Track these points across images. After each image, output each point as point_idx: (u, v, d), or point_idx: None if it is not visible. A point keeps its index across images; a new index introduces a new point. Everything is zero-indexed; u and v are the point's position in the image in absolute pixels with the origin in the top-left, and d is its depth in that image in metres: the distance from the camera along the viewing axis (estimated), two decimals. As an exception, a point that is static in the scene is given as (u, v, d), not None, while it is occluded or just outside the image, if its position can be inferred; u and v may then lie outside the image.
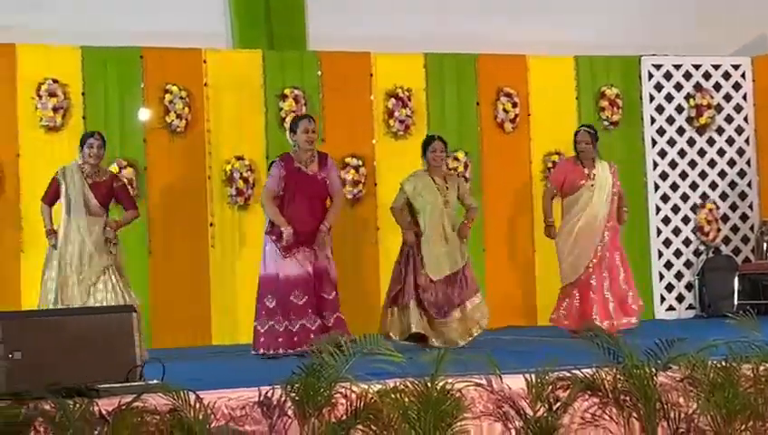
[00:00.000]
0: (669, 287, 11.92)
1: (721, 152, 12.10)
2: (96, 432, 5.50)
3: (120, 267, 8.78)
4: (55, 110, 10.06)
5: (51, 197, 8.88)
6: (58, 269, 8.67)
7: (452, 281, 9.28)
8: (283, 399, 6.17)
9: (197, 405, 5.84)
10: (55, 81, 10.10)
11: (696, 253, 11.98)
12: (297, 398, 6.13)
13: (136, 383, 6.00)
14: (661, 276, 11.90)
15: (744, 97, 12.19)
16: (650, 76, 11.97)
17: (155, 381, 6.04)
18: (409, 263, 9.28)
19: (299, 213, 8.87)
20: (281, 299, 8.85)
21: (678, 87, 12.04)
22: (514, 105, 11.45)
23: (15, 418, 5.45)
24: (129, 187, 9.95)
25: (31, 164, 9.86)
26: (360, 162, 10.89)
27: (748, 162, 12.17)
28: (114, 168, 10.03)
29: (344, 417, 6.17)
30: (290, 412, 6.14)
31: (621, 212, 9.96)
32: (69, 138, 9.93)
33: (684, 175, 11.99)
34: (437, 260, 9.25)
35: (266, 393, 6.18)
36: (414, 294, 9.21)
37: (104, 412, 5.61)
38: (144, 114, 10.41)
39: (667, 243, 11.94)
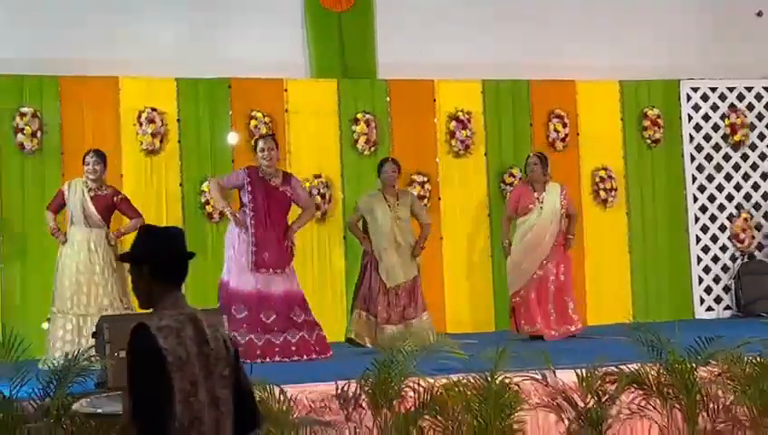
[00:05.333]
0: (708, 290, 11.79)
1: (754, 166, 11.94)
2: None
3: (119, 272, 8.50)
4: (154, 135, 10.18)
5: (54, 205, 8.75)
6: (68, 273, 8.49)
7: (405, 292, 9.15)
8: (357, 392, 6.21)
9: (281, 398, 5.89)
10: (153, 109, 10.22)
11: (733, 258, 11.84)
12: (370, 391, 6.17)
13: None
14: (700, 280, 11.77)
15: (775, 115, 12.06)
16: (689, 98, 11.86)
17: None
18: (368, 270, 9.17)
19: (261, 221, 8.50)
20: (250, 313, 8.36)
21: (715, 107, 11.91)
22: (564, 126, 11.40)
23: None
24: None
25: (133, 183, 9.98)
26: (425, 178, 10.91)
27: (780, 174, 12.03)
28: (206, 186, 10.10)
29: (413, 408, 6.20)
30: (364, 404, 6.19)
31: (567, 238, 9.94)
32: (166, 160, 10.18)
33: (720, 188, 11.86)
34: (393, 269, 9.13)
35: (343, 387, 6.23)
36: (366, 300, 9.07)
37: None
38: (232, 138, 10.51)
39: (706, 249, 11.82)
